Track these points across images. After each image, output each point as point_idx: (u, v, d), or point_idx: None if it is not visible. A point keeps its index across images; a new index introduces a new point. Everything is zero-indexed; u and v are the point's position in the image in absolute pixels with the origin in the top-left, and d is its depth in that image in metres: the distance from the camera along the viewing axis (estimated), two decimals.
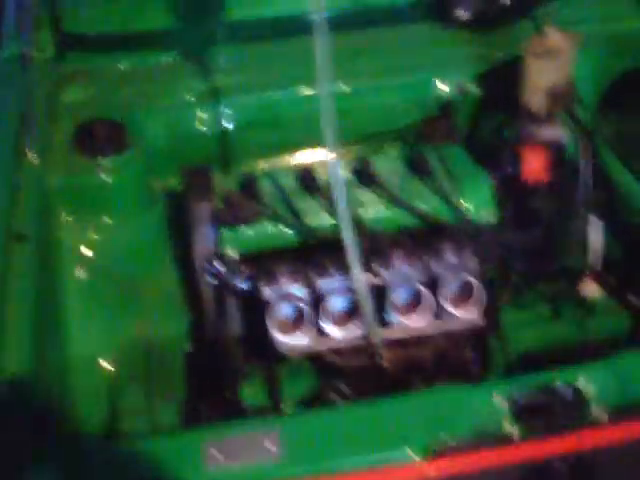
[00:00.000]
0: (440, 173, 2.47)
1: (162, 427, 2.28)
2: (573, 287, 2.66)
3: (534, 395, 1.91)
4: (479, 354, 2.51)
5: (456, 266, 2.30)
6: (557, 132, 2.59)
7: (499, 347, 2.54)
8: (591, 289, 2.67)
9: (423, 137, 2.69)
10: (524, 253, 2.56)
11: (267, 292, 2.24)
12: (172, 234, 2.55)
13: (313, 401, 2.33)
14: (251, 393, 2.38)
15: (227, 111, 2.64)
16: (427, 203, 2.42)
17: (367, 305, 2.14)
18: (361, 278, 2.10)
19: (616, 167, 2.74)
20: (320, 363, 2.34)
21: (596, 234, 2.60)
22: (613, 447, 1.88)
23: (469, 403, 1.94)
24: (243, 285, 2.31)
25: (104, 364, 2.35)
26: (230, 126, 2.64)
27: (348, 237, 2.02)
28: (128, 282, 2.48)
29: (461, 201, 2.42)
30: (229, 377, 2.33)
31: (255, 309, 2.27)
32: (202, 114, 2.64)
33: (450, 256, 2.31)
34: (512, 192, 2.51)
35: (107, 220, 2.47)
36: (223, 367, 2.32)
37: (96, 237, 2.44)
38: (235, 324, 2.33)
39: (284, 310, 2.24)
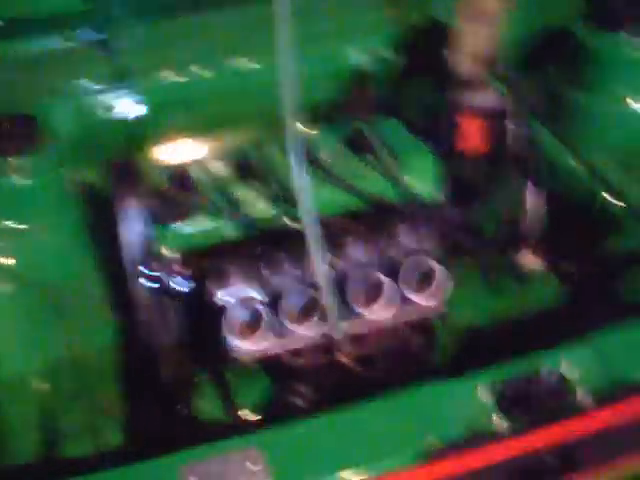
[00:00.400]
0: (380, 149, 2.29)
1: (108, 448, 2.05)
2: (510, 259, 2.56)
3: (519, 384, 1.85)
4: (426, 338, 2.37)
5: (415, 250, 2.16)
6: (492, 98, 2.47)
7: (442, 327, 2.40)
8: (529, 260, 2.56)
9: (342, 111, 2.54)
10: (467, 228, 2.43)
11: (220, 294, 2.04)
12: (97, 235, 2.31)
13: (273, 406, 2.13)
14: (204, 405, 2.17)
15: (142, 93, 2.46)
16: (371, 183, 2.22)
17: (331, 300, 1.98)
18: (324, 271, 1.94)
19: (543, 133, 2.67)
20: (279, 366, 2.16)
21: (535, 203, 2.50)
22: (601, 433, 1.83)
23: (454, 399, 1.86)
24: (185, 287, 2.08)
25: (36, 384, 2.14)
26: (147, 110, 2.47)
27: (310, 226, 1.86)
28: (53, 290, 2.27)
29: (406, 178, 2.24)
30: (176, 389, 2.11)
31: (201, 313, 2.06)
32: (114, 99, 2.45)
33: (406, 239, 2.15)
34: (450, 164, 2.38)
35: (23, 225, 2.25)
36: (168, 378, 2.09)
37: (12, 244, 2.22)
38: (178, 330, 2.12)
39: (241, 313, 2.05)
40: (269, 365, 2.18)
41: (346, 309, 2.10)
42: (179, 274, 2.10)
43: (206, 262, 2.10)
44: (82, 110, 2.42)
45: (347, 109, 2.53)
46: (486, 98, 2.46)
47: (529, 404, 1.83)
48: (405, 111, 2.61)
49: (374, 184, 2.22)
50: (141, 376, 2.16)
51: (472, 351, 2.31)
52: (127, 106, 2.46)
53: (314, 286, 2.04)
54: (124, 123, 2.45)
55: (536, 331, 2.33)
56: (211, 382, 2.22)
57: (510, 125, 2.44)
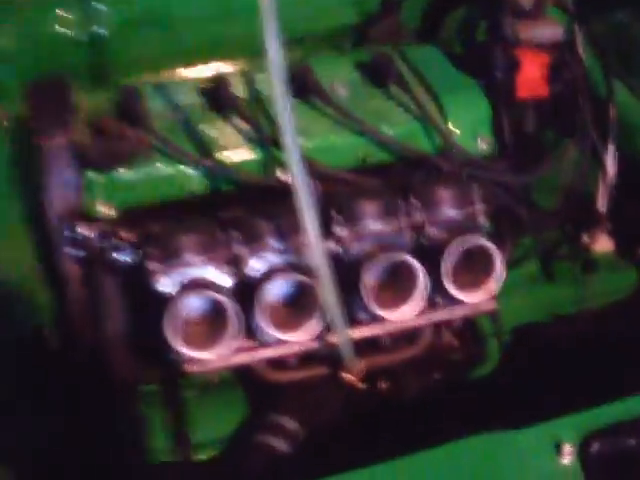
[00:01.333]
0: (411, 82, 1.66)
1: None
2: (576, 240, 1.95)
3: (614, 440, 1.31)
4: (468, 340, 1.80)
5: (459, 222, 1.48)
6: (558, 32, 1.81)
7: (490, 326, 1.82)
8: (601, 242, 1.95)
9: (365, 39, 1.96)
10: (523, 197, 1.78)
11: (164, 279, 1.35)
12: (23, 185, 1.63)
13: (242, 446, 1.43)
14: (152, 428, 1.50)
15: (100, 8, 1.83)
16: (398, 126, 1.61)
17: (332, 291, 1.32)
18: (321, 249, 1.28)
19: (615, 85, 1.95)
20: (251, 386, 1.53)
21: (610, 170, 1.86)
22: None
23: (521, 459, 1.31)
24: (126, 258, 1.41)
25: None
26: (104, 30, 1.84)
27: (299, 182, 1.25)
28: None
29: (446, 122, 1.63)
30: (104, 403, 1.44)
31: (146, 297, 1.39)
32: (65, 14, 1.82)
33: (446, 206, 1.47)
34: (504, 109, 1.73)
35: None
36: (103, 380, 1.47)
37: None
38: (117, 320, 1.47)
39: (193, 306, 1.37)
40: (236, 385, 1.52)
41: (357, 307, 1.44)
42: (119, 240, 1.38)
43: (152, 228, 1.39)
44: (27, 27, 1.84)
45: (372, 35, 1.97)
46: (552, 31, 1.80)
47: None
48: (447, 38, 1.99)
49: (402, 128, 1.61)
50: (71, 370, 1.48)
51: (531, 363, 1.82)
52: (83, 23, 1.84)
53: (307, 270, 1.36)
54: (77, 45, 1.85)
55: (615, 335, 1.86)
56: (158, 402, 1.49)
57: (580, 68, 1.81)
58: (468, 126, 1.65)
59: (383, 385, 1.68)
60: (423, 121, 1.61)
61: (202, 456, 1.52)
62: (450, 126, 1.63)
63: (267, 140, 1.49)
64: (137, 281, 1.40)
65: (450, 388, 1.79)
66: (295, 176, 1.25)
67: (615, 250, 1.97)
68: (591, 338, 1.89)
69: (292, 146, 1.24)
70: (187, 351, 1.34)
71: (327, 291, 1.32)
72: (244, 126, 1.52)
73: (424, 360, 1.70)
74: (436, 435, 1.44)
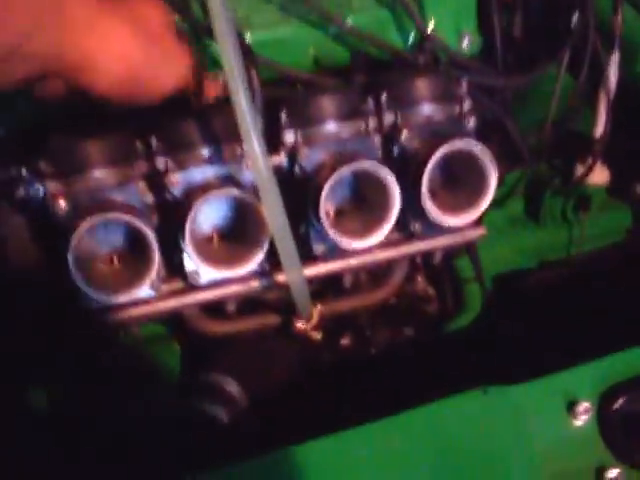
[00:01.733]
0: None
1: None
2: (569, 172, 1.67)
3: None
4: (445, 287, 1.53)
5: (442, 125, 1.16)
6: None
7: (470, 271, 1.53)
8: (596, 173, 1.66)
9: None
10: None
11: (64, 202, 1.03)
12: None
13: (175, 416, 1.11)
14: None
15: None
16: (358, 13, 1.27)
17: (276, 215, 1.02)
18: (263, 158, 0.98)
19: None
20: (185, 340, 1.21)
21: (613, 80, 1.54)
22: None
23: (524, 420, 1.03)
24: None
25: None
26: None
27: (236, 76, 0.95)
28: None
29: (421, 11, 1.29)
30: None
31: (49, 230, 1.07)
32: None
33: (426, 104, 1.16)
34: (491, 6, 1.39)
35: None
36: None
37: None
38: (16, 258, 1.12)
39: (102, 236, 1.07)
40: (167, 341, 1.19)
41: (312, 235, 1.14)
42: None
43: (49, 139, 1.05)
44: None
45: None
46: None
47: None
48: None
49: (366, 16, 1.28)
50: None
51: (516, 314, 1.58)
52: None
53: (248, 189, 1.07)
54: None
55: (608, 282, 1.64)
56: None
57: None
58: (449, 19, 1.33)
59: (345, 339, 1.37)
60: (393, 8, 1.28)
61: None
62: (427, 17, 1.30)
63: (200, 30, 1.16)
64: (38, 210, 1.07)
65: (424, 343, 1.49)
66: (231, 70, 0.94)
67: (609, 187, 1.71)
68: (581, 285, 1.68)
69: (225, 33, 0.93)
70: (97, 295, 1.01)
71: (274, 214, 1.01)
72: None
73: (394, 310, 1.41)
74: (408, 398, 1.15)
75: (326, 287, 1.25)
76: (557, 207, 1.73)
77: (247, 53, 1.10)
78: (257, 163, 0.98)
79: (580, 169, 1.66)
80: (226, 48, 0.94)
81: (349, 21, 1.24)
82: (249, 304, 1.18)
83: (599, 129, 1.59)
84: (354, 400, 1.25)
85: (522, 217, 1.76)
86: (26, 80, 0.89)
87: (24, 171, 1.05)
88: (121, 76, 0.94)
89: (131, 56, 0.94)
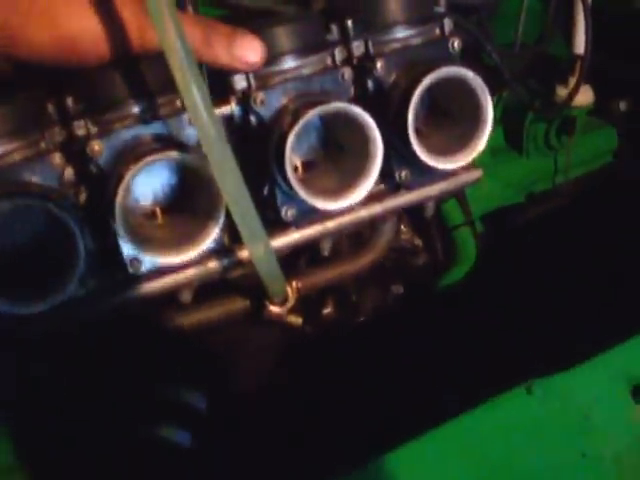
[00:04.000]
0: None
1: None
2: (550, 93, 1.47)
3: None
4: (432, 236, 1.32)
5: (421, 50, 0.91)
6: None
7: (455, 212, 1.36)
8: (580, 93, 1.44)
9: None
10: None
11: None
12: None
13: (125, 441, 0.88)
14: None
15: None
16: None
17: (231, 177, 0.78)
18: (206, 107, 0.73)
19: None
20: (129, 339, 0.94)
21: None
22: None
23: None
24: None
25: None
26: None
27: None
28: None
29: None
30: None
31: None
32: None
33: (401, 26, 0.91)
34: None
35: None
36: None
37: None
38: None
39: (10, 225, 0.81)
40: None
41: (279, 197, 0.89)
42: None
43: None
44: None
45: None
46: None
47: None
48: None
49: None
50: None
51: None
52: None
53: (193, 148, 0.82)
54: None
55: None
56: None
57: None
58: None
59: (328, 308, 1.14)
60: None
61: None
62: None
63: None
64: None
65: (417, 303, 1.26)
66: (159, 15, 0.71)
67: (591, 107, 1.52)
68: (575, 217, 1.53)
69: None
70: (6, 308, 0.76)
71: (226, 178, 0.77)
72: None
73: (379, 268, 1.18)
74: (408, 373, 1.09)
75: (299, 256, 1.01)
76: (540, 133, 1.54)
77: None
78: (198, 115, 0.75)
79: (561, 90, 1.46)
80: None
81: None
82: (208, 288, 0.92)
83: (579, 46, 1.40)
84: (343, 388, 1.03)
85: (503, 147, 1.56)
86: None
87: None
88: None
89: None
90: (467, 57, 1.18)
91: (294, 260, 1.00)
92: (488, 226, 1.48)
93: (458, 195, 1.33)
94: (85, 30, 0.77)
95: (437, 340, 1.25)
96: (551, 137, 1.55)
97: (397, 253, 1.28)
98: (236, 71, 0.83)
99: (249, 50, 0.81)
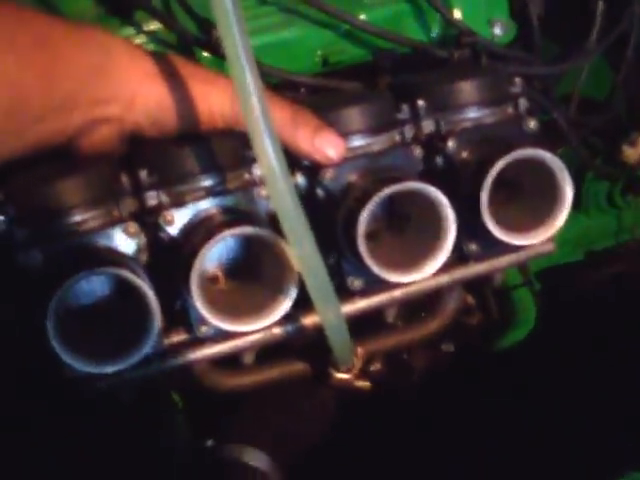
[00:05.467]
0: None
1: None
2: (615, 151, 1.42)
3: None
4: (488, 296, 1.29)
5: (494, 128, 0.90)
6: None
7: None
8: None
9: None
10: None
11: (36, 252, 0.80)
12: None
13: None
14: None
15: None
16: (371, 8, 1.08)
17: (305, 248, 0.79)
18: (285, 182, 0.74)
19: None
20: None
21: None
22: None
23: None
24: None
25: None
26: None
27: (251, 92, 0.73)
28: None
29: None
30: None
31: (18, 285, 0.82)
32: None
33: (473, 105, 0.90)
34: None
35: None
36: None
37: None
38: None
39: (83, 292, 0.83)
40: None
41: (346, 268, 0.89)
42: None
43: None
44: None
45: None
46: None
47: None
48: None
49: (381, 11, 1.08)
50: None
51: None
52: None
53: (264, 221, 0.84)
54: None
55: None
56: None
57: None
58: (477, 6, 1.12)
59: (376, 365, 1.14)
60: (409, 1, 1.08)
61: None
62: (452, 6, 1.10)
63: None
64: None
65: (472, 363, 1.25)
66: (243, 85, 0.72)
67: None
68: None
69: (240, 45, 0.71)
70: (82, 366, 0.77)
71: (302, 247, 0.78)
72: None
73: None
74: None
75: (363, 321, 1.00)
76: (602, 192, 1.50)
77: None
78: (277, 187, 0.75)
79: (628, 150, 1.42)
80: (239, 63, 0.72)
81: (361, 16, 1.05)
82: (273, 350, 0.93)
83: None
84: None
85: None
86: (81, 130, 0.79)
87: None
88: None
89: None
90: None
91: (357, 325, 1.00)
92: (545, 284, 1.46)
93: None
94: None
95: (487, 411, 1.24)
96: (615, 195, 1.52)
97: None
98: (312, 161, 0.85)
99: (332, 146, 0.84)
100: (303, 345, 0.97)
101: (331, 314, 0.84)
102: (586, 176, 1.51)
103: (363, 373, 0.96)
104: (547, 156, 0.85)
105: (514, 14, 1.16)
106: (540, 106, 1.17)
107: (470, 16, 1.11)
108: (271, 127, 0.73)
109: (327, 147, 0.83)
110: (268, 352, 0.94)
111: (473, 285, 1.29)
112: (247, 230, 0.80)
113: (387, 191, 0.81)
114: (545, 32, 1.20)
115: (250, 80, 0.72)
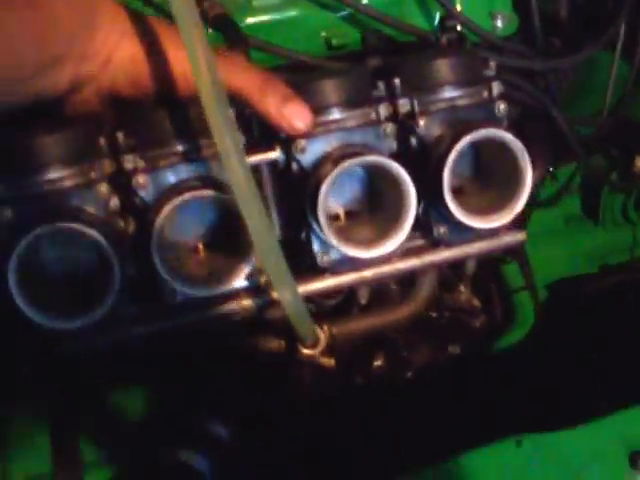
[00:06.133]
0: None
1: None
2: (629, 165, 1.42)
3: None
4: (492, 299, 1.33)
5: (466, 110, 0.92)
6: None
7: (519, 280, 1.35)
8: None
9: None
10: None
11: (6, 208, 0.82)
12: None
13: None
14: None
15: None
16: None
17: (261, 220, 0.79)
18: (233, 154, 0.76)
19: None
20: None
21: None
22: None
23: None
24: None
25: None
26: None
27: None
28: None
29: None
30: None
31: None
32: None
33: (447, 86, 0.91)
34: None
35: None
36: None
37: None
38: None
39: (49, 252, 0.85)
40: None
41: (316, 243, 0.90)
42: None
43: None
44: None
45: None
46: None
47: None
48: None
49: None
50: None
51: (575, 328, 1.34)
52: None
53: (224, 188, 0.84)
54: None
55: None
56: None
57: None
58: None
59: (378, 360, 1.15)
60: None
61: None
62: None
63: None
64: None
65: (469, 364, 1.25)
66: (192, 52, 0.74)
67: None
68: None
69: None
70: (43, 321, 0.80)
71: (254, 223, 0.79)
72: None
73: (435, 325, 1.24)
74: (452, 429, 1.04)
75: (340, 304, 1.02)
76: (617, 205, 1.49)
77: (237, 37, 0.96)
78: (230, 162, 0.77)
79: None
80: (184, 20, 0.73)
81: (364, 1, 1.08)
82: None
83: None
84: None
85: (578, 216, 1.53)
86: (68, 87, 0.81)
87: None
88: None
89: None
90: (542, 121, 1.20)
91: (334, 307, 1.01)
92: (555, 293, 1.46)
93: (520, 259, 1.32)
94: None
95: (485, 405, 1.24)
96: (629, 210, 1.51)
97: (454, 312, 1.28)
98: (279, 130, 0.86)
99: (299, 115, 0.84)
100: (277, 321, 0.98)
101: (287, 290, 0.85)
102: (603, 190, 1.50)
103: (329, 351, 0.97)
104: (507, 137, 0.86)
105: (516, 7, 1.18)
106: (541, 104, 1.18)
107: (471, 7, 1.13)
108: (225, 103, 0.75)
109: (295, 116, 0.84)
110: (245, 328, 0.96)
111: (479, 288, 1.31)
112: (209, 193, 0.82)
113: (350, 162, 0.83)
114: (549, 28, 1.22)
115: (199, 45, 0.73)
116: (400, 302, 1.05)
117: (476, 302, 1.31)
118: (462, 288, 1.29)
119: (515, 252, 1.31)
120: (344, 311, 1.03)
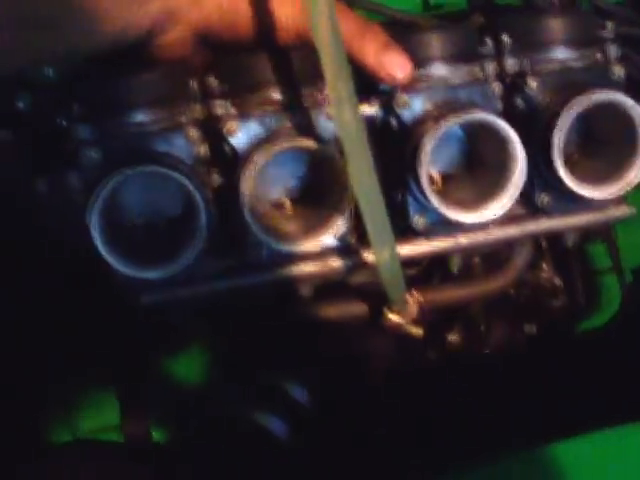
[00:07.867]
0: None
1: None
2: None
3: None
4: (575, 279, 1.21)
5: (579, 72, 0.86)
6: None
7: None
8: None
9: None
10: None
11: (94, 150, 0.78)
12: None
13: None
14: None
15: None
16: None
17: (366, 178, 0.75)
18: (351, 105, 0.71)
19: None
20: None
21: None
22: None
23: None
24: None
25: None
26: None
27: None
28: None
29: None
30: None
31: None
32: None
33: (559, 46, 0.86)
34: None
35: None
36: None
37: None
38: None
39: (135, 195, 0.81)
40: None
41: (412, 205, 0.85)
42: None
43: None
44: None
45: None
46: None
47: None
48: None
49: None
50: None
51: None
52: None
53: (330, 143, 0.80)
54: None
55: None
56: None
57: None
58: None
59: (454, 335, 1.09)
60: None
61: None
62: None
63: None
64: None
65: (550, 344, 1.20)
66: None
67: None
68: None
69: None
70: (127, 270, 0.76)
71: (361, 177, 0.75)
72: None
73: (513, 303, 1.15)
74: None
75: (429, 271, 0.97)
76: None
77: None
78: (342, 111, 0.72)
79: None
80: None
81: None
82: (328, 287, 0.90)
83: None
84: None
85: None
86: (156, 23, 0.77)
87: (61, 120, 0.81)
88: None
89: None
90: None
91: (422, 271, 0.96)
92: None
93: (609, 237, 1.26)
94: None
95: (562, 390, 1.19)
96: None
97: (534, 291, 1.23)
98: (377, 79, 0.81)
99: (398, 64, 0.79)
100: (366, 289, 0.94)
101: (385, 250, 0.80)
102: None
103: (418, 319, 0.92)
104: (628, 102, 0.80)
105: None
106: None
107: None
108: (343, 55, 0.71)
109: (394, 65, 0.79)
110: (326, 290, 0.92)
111: (562, 267, 1.25)
112: (308, 144, 0.78)
113: (456, 119, 0.78)
114: None
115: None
116: (489, 274, 0.99)
117: (558, 281, 1.25)
118: (544, 266, 1.23)
119: (604, 229, 1.25)
120: (422, 281, 0.98)
